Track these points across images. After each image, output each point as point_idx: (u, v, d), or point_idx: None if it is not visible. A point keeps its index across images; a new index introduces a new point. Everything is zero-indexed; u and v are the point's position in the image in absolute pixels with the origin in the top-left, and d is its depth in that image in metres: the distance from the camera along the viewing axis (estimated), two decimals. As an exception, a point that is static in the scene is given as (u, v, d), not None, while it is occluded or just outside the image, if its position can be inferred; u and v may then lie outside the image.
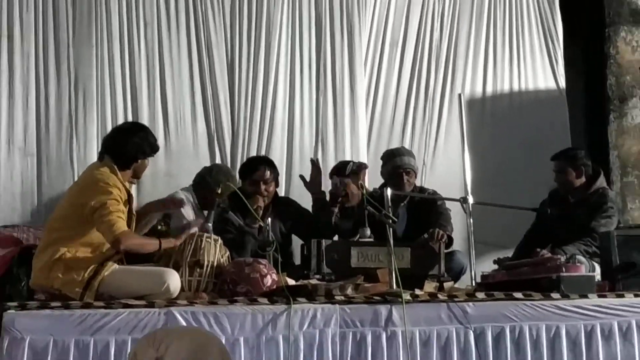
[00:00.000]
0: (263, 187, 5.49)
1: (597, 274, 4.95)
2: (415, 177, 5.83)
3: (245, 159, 6.13)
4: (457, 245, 5.60)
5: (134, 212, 4.48)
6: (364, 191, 4.98)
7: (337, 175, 5.49)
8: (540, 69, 7.04)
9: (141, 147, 4.45)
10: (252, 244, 5.22)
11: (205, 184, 5.53)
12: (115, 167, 4.37)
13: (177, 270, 4.26)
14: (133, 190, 5.61)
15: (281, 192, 5.98)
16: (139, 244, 4.34)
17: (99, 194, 4.21)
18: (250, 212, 5.10)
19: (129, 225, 4.31)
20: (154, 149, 4.55)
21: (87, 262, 4.17)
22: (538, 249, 5.03)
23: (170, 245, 4.39)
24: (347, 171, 5.41)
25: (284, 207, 5.69)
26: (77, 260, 4.16)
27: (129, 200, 4.38)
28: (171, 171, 6.09)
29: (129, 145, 4.43)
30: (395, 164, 5.71)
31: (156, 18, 6.22)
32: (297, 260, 5.57)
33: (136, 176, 4.56)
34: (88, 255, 4.20)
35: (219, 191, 5.01)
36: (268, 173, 5.53)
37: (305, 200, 5.93)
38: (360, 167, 5.50)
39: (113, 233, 4.14)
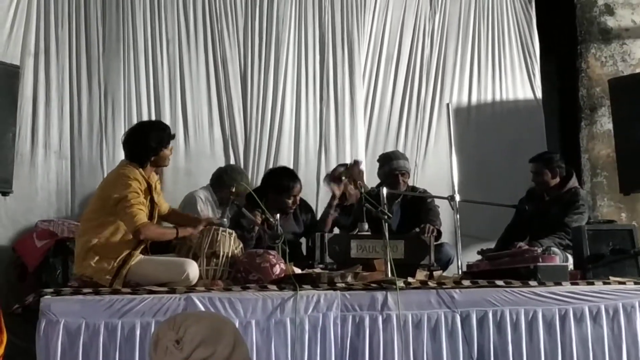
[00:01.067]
0: (297, 199, 5.44)
1: (570, 264, 4.95)
2: (409, 177, 5.82)
3: (257, 162, 6.17)
4: (445, 238, 5.60)
5: (157, 202, 4.40)
6: (363, 190, 4.98)
7: (332, 181, 5.51)
8: (519, 82, 7.03)
9: (149, 145, 4.31)
10: (254, 239, 5.15)
11: (222, 182, 5.50)
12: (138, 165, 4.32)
13: (196, 260, 4.25)
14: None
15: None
16: (158, 233, 4.31)
17: (120, 187, 4.16)
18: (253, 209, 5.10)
19: (151, 214, 4.28)
20: (162, 141, 4.35)
21: (116, 252, 4.15)
22: (517, 242, 5.02)
23: (186, 234, 4.37)
24: (336, 174, 5.46)
25: (302, 208, 5.63)
26: (106, 250, 4.14)
27: (150, 191, 4.32)
28: (190, 170, 6.07)
29: (138, 147, 4.33)
30: (392, 166, 5.69)
31: (177, 35, 6.20)
32: (303, 251, 5.55)
33: (162, 165, 4.45)
34: (116, 244, 4.16)
35: (234, 190, 4.98)
36: (300, 187, 5.47)
37: (308, 199, 5.92)
38: (353, 166, 5.49)
39: (134, 224, 4.10)
